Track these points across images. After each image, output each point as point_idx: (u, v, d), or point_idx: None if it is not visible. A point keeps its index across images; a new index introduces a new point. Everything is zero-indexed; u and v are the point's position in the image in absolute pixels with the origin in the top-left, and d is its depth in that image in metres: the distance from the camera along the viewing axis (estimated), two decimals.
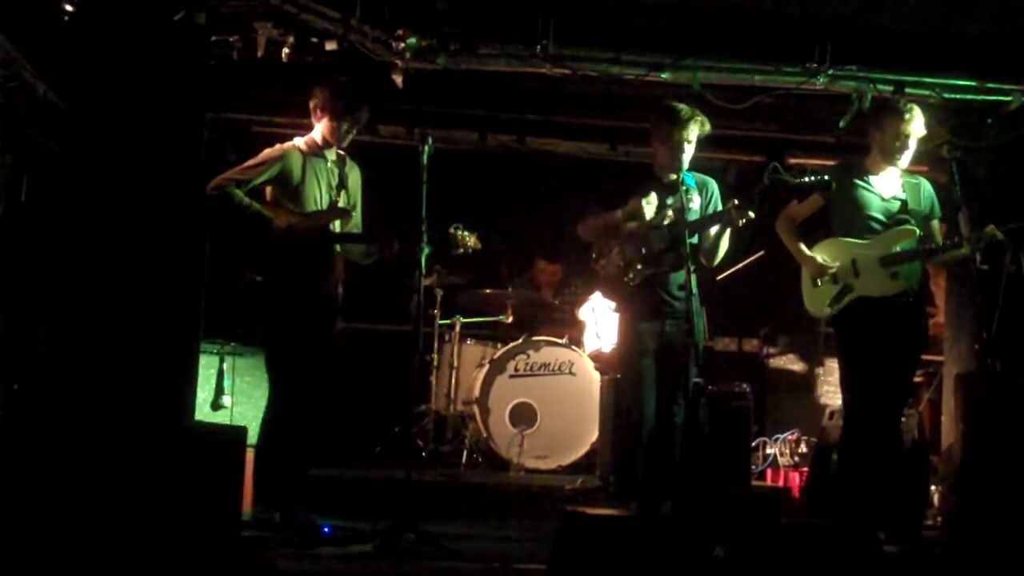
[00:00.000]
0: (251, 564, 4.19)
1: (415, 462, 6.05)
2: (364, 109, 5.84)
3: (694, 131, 5.67)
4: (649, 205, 5.63)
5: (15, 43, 4.70)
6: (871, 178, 5.73)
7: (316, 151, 5.80)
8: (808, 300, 5.85)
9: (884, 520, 5.40)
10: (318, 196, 5.76)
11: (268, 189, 5.72)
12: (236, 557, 4.09)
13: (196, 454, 4.10)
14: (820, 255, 5.77)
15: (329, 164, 5.82)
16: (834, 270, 5.70)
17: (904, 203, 5.70)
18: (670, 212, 5.65)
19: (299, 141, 5.81)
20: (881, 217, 5.69)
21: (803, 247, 5.81)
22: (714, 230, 5.72)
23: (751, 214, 5.44)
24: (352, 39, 5.89)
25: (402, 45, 5.95)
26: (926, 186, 5.80)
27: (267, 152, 5.74)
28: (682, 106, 5.72)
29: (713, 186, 5.86)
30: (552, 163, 8.77)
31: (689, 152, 5.69)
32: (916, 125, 5.64)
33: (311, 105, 5.81)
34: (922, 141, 5.72)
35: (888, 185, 5.73)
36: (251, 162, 5.71)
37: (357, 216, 5.93)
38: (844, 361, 5.78)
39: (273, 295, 5.63)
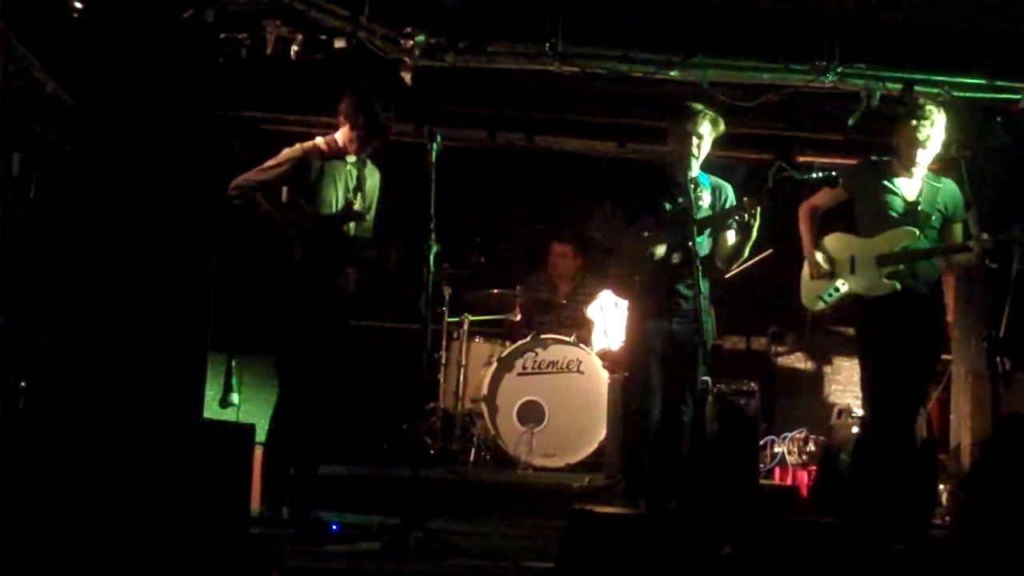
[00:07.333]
0: (260, 561, 4.19)
1: (423, 460, 6.03)
2: (387, 122, 5.84)
3: (705, 126, 5.66)
4: (655, 245, 5.65)
5: (24, 40, 4.71)
6: (896, 179, 5.76)
7: (336, 153, 5.82)
8: (803, 292, 5.96)
9: (892, 519, 5.41)
10: (334, 198, 5.77)
11: (284, 189, 5.73)
12: (245, 554, 4.09)
13: (205, 451, 4.10)
14: (825, 247, 5.85)
15: (348, 166, 5.83)
16: (828, 269, 5.76)
17: (927, 204, 5.72)
18: (679, 212, 5.64)
19: (320, 141, 5.83)
20: (900, 218, 5.72)
21: (811, 241, 5.87)
22: (732, 238, 5.72)
23: (759, 209, 5.44)
24: (361, 37, 5.90)
25: (411, 43, 5.96)
26: (951, 187, 5.80)
27: (286, 152, 5.76)
28: (695, 103, 5.73)
29: (728, 190, 5.84)
30: (561, 161, 8.77)
31: (701, 148, 5.67)
32: (932, 130, 5.66)
33: (337, 109, 5.83)
34: (943, 144, 5.73)
35: (913, 186, 5.76)
36: (270, 162, 5.73)
37: (369, 220, 5.94)
38: (864, 360, 5.82)
39: (287, 295, 5.64)
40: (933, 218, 5.72)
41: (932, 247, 5.71)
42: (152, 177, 5.46)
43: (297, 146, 5.80)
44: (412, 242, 5.64)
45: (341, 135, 5.83)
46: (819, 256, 5.85)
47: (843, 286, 5.74)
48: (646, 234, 5.68)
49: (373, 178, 5.97)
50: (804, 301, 5.96)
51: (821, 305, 5.83)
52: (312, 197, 5.72)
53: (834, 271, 5.80)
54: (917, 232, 5.68)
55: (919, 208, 5.72)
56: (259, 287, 5.74)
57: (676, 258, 5.61)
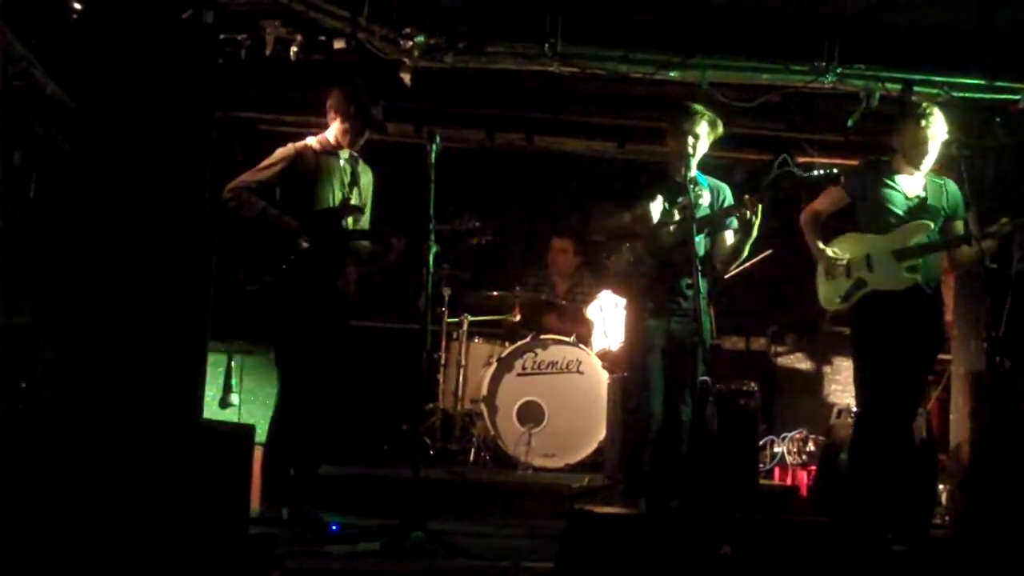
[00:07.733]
0: (260, 561, 4.20)
1: (423, 460, 6.03)
2: (377, 114, 5.85)
3: (702, 126, 5.68)
4: (656, 208, 5.65)
5: (24, 41, 4.72)
6: (897, 177, 5.77)
7: (329, 150, 5.83)
8: (821, 294, 5.92)
9: (892, 519, 5.41)
10: (331, 195, 5.78)
11: (279, 188, 5.74)
12: (245, 554, 4.09)
13: (205, 451, 4.10)
14: (836, 249, 5.82)
15: (342, 163, 5.84)
16: (844, 262, 5.74)
17: (928, 202, 5.72)
18: (679, 210, 5.65)
19: (312, 140, 5.84)
20: (904, 215, 5.72)
21: (819, 242, 5.86)
22: (730, 238, 5.72)
23: (760, 207, 5.44)
24: (360, 37, 5.90)
25: (410, 43, 5.96)
26: (952, 187, 5.82)
27: (280, 152, 5.76)
28: (694, 103, 5.74)
29: (727, 191, 5.86)
30: (560, 161, 8.78)
31: (698, 148, 5.68)
32: (935, 130, 5.68)
33: (327, 105, 5.84)
34: (943, 144, 5.74)
35: (913, 185, 5.78)
36: (264, 163, 5.74)
37: (365, 218, 5.94)
38: (859, 357, 5.80)
39: (287, 294, 5.63)
40: (940, 215, 5.74)
41: (946, 239, 5.71)
42: (151, 178, 5.46)
43: (290, 145, 5.81)
44: (412, 236, 5.64)
45: (333, 131, 5.84)
46: (831, 252, 5.84)
47: (867, 284, 5.72)
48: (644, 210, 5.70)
49: (366, 176, 5.97)
50: (822, 302, 5.93)
51: (841, 304, 5.81)
52: (308, 195, 5.72)
53: (851, 270, 5.78)
54: (932, 225, 5.69)
55: (927, 203, 5.73)
56: (259, 285, 5.73)
57: (675, 220, 5.60)
